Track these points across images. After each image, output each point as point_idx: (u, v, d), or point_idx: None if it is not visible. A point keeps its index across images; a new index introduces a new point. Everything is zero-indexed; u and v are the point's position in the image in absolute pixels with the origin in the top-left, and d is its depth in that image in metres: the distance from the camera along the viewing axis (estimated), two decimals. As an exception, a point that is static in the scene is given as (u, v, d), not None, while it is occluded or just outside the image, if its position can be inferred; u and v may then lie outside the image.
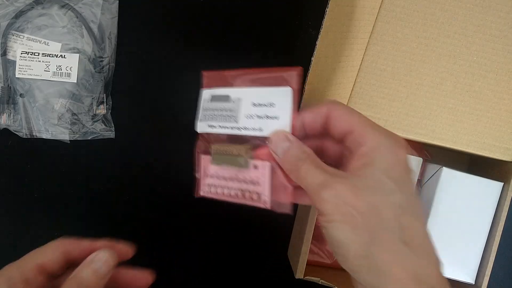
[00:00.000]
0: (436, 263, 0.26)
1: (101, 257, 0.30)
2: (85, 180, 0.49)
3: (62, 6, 0.47)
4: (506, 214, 0.42)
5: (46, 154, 0.48)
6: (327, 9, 0.37)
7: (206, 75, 0.36)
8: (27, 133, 0.47)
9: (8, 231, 0.49)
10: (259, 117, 0.33)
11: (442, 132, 0.42)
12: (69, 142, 0.48)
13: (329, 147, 0.32)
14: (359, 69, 0.41)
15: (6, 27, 0.46)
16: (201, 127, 0.36)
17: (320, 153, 0.31)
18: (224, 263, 0.50)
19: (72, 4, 0.47)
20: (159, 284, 0.51)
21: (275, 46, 0.49)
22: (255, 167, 0.33)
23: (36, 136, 0.47)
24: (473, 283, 0.43)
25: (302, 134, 0.30)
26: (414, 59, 0.41)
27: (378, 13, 0.40)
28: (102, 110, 0.48)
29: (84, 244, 0.31)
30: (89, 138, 0.48)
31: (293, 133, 0.30)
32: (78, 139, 0.48)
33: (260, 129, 0.33)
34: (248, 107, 0.34)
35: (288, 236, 0.50)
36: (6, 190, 0.49)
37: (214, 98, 0.36)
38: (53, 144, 0.48)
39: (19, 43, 0.47)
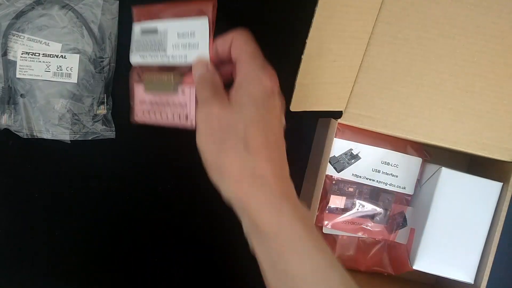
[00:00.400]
0: (274, 164, 0.31)
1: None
2: (86, 180, 0.49)
3: (63, 7, 0.47)
4: (505, 214, 0.42)
5: (46, 155, 0.48)
6: (317, 8, 0.37)
7: (136, 10, 0.40)
8: (28, 133, 0.47)
9: (8, 231, 0.49)
10: (183, 46, 0.38)
11: (441, 133, 0.42)
12: (69, 142, 0.48)
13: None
14: (358, 69, 0.41)
15: (6, 28, 0.46)
16: (134, 58, 0.41)
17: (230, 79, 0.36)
18: (225, 262, 0.50)
19: (72, 5, 0.47)
20: (159, 283, 0.51)
21: (275, 46, 0.49)
22: (183, 91, 0.39)
23: (36, 136, 0.47)
24: (472, 283, 0.43)
25: (217, 60, 0.36)
26: (414, 59, 0.41)
27: (378, 13, 0.40)
28: (102, 110, 0.48)
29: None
30: (89, 139, 0.48)
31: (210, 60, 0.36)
32: (79, 139, 0.48)
33: (185, 57, 0.38)
34: (173, 38, 0.38)
35: None
36: (6, 190, 0.49)
37: (144, 31, 0.40)
38: (53, 145, 0.48)
39: (20, 44, 0.47)
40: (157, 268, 0.50)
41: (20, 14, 0.46)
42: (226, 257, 0.51)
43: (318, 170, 0.41)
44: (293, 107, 0.39)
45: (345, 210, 0.45)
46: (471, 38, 0.41)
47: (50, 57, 0.47)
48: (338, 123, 0.41)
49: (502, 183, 0.43)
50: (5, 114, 0.46)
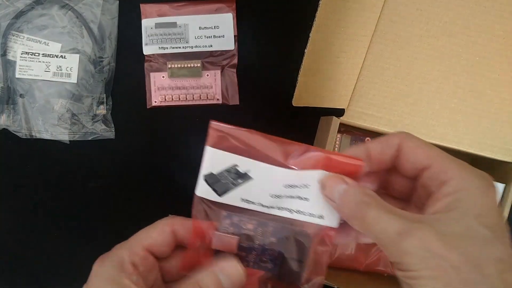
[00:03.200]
0: None
1: (232, 273, 0.25)
2: (85, 181, 0.48)
3: (62, 7, 0.46)
4: (507, 215, 0.41)
5: (45, 155, 0.47)
6: (320, 2, 0.36)
7: (143, 7, 0.45)
8: (27, 133, 0.46)
9: (8, 231, 0.48)
10: (207, 37, 0.46)
11: (443, 132, 0.41)
12: (68, 142, 0.46)
13: (394, 183, 0.27)
14: (361, 67, 0.40)
15: (6, 28, 0.45)
16: (150, 50, 0.46)
17: (383, 191, 0.27)
18: None
19: (72, 5, 0.46)
20: None
21: (279, 39, 0.48)
22: (207, 75, 0.47)
23: (35, 136, 0.46)
24: None
25: (365, 170, 0.26)
26: (417, 58, 0.40)
27: (381, 11, 0.39)
28: (102, 110, 0.47)
29: (191, 224, 0.27)
30: (89, 139, 0.47)
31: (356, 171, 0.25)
32: (78, 139, 0.46)
33: (211, 45, 0.46)
34: (195, 30, 0.46)
35: None
36: (5, 191, 0.47)
37: (159, 25, 0.46)
38: (53, 145, 0.46)
39: (20, 44, 0.45)
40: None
41: (19, 14, 0.45)
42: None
43: None
44: (295, 102, 0.38)
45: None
46: (473, 37, 0.40)
47: (49, 57, 0.46)
48: (213, 127, 0.28)
49: (504, 184, 0.41)
50: (4, 114, 0.45)
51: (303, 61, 0.38)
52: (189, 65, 0.46)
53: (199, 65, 0.46)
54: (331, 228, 0.26)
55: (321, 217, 0.26)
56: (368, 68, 0.40)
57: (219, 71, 0.47)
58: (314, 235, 0.27)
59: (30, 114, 0.46)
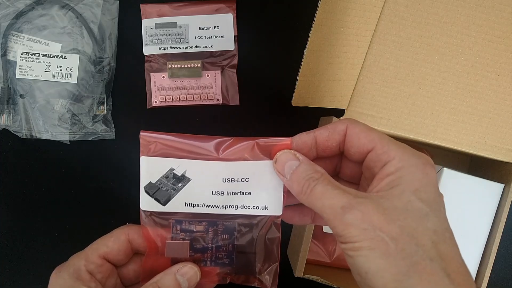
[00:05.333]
0: None
1: (187, 271, 0.27)
2: (85, 181, 0.47)
3: (63, 7, 0.45)
4: (506, 215, 0.41)
5: (46, 155, 0.46)
6: (320, 2, 0.36)
7: (144, 7, 0.45)
8: (27, 133, 0.45)
9: (8, 231, 0.47)
10: (207, 37, 0.45)
11: (443, 132, 0.41)
12: (68, 143, 0.46)
13: (344, 167, 0.28)
14: (361, 67, 0.39)
15: (6, 28, 0.44)
16: (150, 50, 0.46)
17: (334, 175, 0.28)
18: None
19: (72, 5, 0.45)
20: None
21: (279, 40, 0.48)
22: (207, 75, 0.45)
23: (36, 136, 0.45)
24: None
25: (313, 155, 0.27)
26: (416, 58, 0.39)
27: (381, 11, 0.38)
28: (102, 110, 0.46)
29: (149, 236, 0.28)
30: (89, 139, 0.46)
31: (302, 152, 0.26)
32: (78, 139, 0.46)
33: (211, 46, 0.46)
34: (195, 30, 0.45)
35: (288, 235, 0.48)
36: (6, 191, 0.47)
37: (159, 25, 0.45)
38: (53, 145, 0.46)
39: (20, 44, 0.45)
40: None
41: (20, 14, 0.44)
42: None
43: None
44: (295, 102, 0.38)
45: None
46: (473, 38, 0.39)
47: (50, 57, 0.45)
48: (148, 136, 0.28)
49: (503, 185, 0.41)
50: (4, 114, 0.45)
51: (303, 61, 0.37)
52: (189, 66, 0.46)
53: (199, 65, 0.46)
54: (277, 216, 0.27)
55: (265, 207, 0.27)
56: (368, 69, 0.39)
57: (219, 71, 0.46)
58: (261, 225, 0.28)
59: (30, 114, 0.45)
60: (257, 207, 0.28)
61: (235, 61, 0.47)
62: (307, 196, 0.24)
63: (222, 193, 0.27)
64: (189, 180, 0.27)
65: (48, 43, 0.45)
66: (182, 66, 0.46)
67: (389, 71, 0.39)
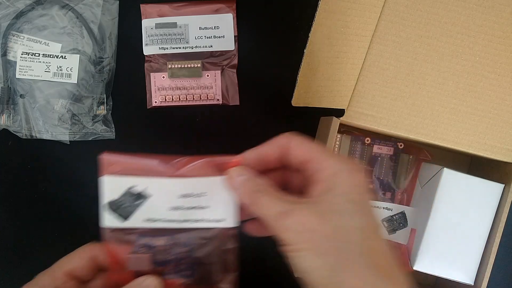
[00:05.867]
0: (404, 286, 0.24)
1: (149, 284, 0.28)
2: (85, 181, 0.47)
3: (63, 7, 0.45)
4: (506, 215, 0.41)
5: (46, 155, 0.46)
6: (320, 2, 0.35)
7: (144, 7, 0.45)
8: (27, 133, 0.45)
9: (8, 231, 0.47)
10: (207, 37, 0.45)
11: (443, 132, 0.40)
12: (68, 143, 0.46)
13: (291, 178, 0.30)
14: (361, 67, 0.39)
15: (6, 28, 0.44)
16: (150, 50, 0.45)
17: (284, 186, 0.30)
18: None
19: (72, 5, 0.45)
20: None
21: (279, 40, 0.48)
22: (207, 75, 0.45)
23: (36, 137, 0.45)
24: (472, 284, 0.41)
25: (261, 169, 0.29)
26: (417, 58, 0.39)
27: (381, 12, 0.38)
28: (102, 110, 0.46)
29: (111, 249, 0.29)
30: (89, 139, 0.46)
31: (251, 167, 0.28)
32: (79, 140, 0.46)
33: (211, 46, 0.45)
34: (195, 30, 0.45)
35: None
36: (6, 191, 0.47)
37: (159, 26, 0.45)
38: (53, 145, 0.46)
39: (20, 44, 0.45)
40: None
41: (20, 14, 0.44)
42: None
43: None
44: (295, 102, 0.38)
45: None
46: (473, 38, 0.39)
47: (50, 57, 0.45)
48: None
49: (503, 185, 0.41)
50: (4, 114, 0.44)
51: (302, 61, 0.37)
52: (189, 65, 0.46)
53: (199, 65, 0.46)
54: (232, 228, 0.29)
55: (221, 220, 0.29)
56: (368, 69, 0.39)
57: (219, 72, 0.46)
58: (218, 237, 0.30)
59: (30, 114, 0.45)
60: (214, 220, 0.29)
61: (235, 61, 0.47)
62: (255, 207, 0.27)
63: (180, 208, 0.29)
64: (148, 197, 0.29)
65: (48, 43, 0.45)
66: (182, 66, 0.46)
67: (389, 71, 0.39)
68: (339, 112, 0.40)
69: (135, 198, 0.29)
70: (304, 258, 0.24)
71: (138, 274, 0.29)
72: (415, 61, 0.39)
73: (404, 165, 0.45)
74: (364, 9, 0.37)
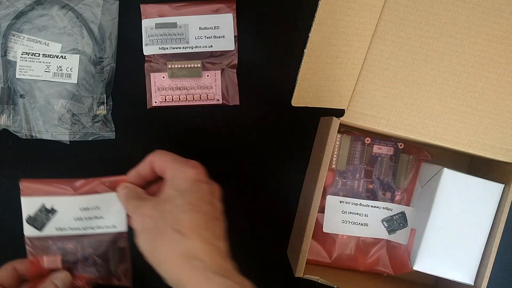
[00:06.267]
0: (207, 244, 0.31)
1: (59, 275, 0.38)
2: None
3: (63, 7, 0.45)
4: (506, 216, 0.40)
5: (46, 155, 0.46)
6: (320, 2, 0.35)
7: (143, 7, 0.45)
8: (27, 133, 0.45)
9: (7, 231, 0.47)
10: (207, 37, 0.45)
11: (443, 132, 0.40)
12: (68, 143, 0.46)
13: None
14: (361, 67, 0.39)
15: (6, 28, 0.44)
16: (150, 50, 0.45)
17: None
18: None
19: (72, 5, 0.45)
20: (158, 279, 0.49)
21: (279, 39, 0.48)
22: (207, 75, 0.46)
23: (36, 137, 0.45)
24: (472, 284, 0.41)
25: (143, 182, 0.38)
26: (416, 58, 0.39)
27: (381, 12, 0.38)
28: (102, 110, 0.46)
29: (31, 263, 0.38)
30: (89, 139, 0.46)
31: (134, 182, 0.38)
32: (79, 140, 0.46)
33: (211, 46, 0.45)
34: (195, 30, 0.45)
35: (287, 234, 0.48)
36: (5, 191, 0.47)
37: (159, 26, 0.45)
38: (53, 145, 0.46)
39: (20, 44, 0.45)
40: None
41: (20, 15, 0.44)
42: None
43: (319, 168, 0.40)
44: (295, 102, 0.38)
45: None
46: (473, 38, 0.39)
47: (50, 57, 0.45)
48: None
49: (503, 185, 0.41)
50: (4, 114, 0.44)
51: (302, 61, 0.37)
52: (189, 66, 0.46)
53: (199, 65, 0.46)
54: (123, 232, 0.39)
55: (114, 226, 0.39)
56: (368, 69, 0.39)
57: (219, 72, 0.46)
58: (113, 240, 0.40)
59: (30, 114, 0.45)
60: (108, 227, 0.39)
61: (235, 61, 0.46)
62: (128, 210, 0.37)
63: (81, 219, 0.39)
64: (56, 211, 0.38)
65: (48, 43, 0.45)
66: (182, 66, 0.46)
67: (389, 71, 0.39)
68: (339, 112, 0.40)
69: (47, 213, 0.38)
70: (141, 238, 0.33)
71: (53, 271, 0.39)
72: (415, 61, 0.39)
73: (404, 165, 0.45)
74: (364, 9, 0.37)
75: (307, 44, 0.36)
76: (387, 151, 0.45)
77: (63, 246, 0.39)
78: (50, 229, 0.39)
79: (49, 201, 0.38)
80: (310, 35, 0.36)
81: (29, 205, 0.38)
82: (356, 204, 0.44)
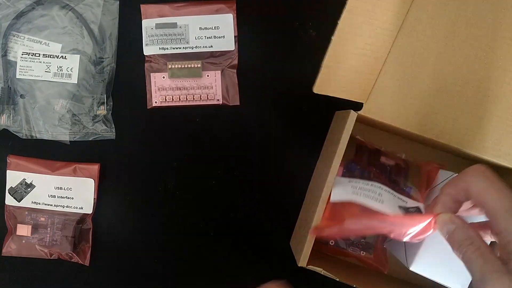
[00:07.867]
0: None
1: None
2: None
3: (63, 7, 0.44)
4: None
5: (46, 155, 0.45)
6: None
7: (144, 8, 0.44)
8: (27, 134, 0.44)
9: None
10: (207, 37, 0.44)
11: (458, 136, 0.37)
12: (69, 143, 0.45)
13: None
14: (384, 62, 0.37)
15: (7, 28, 0.43)
16: (150, 50, 0.45)
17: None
18: (226, 251, 0.47)
19: (72, 5, 0.44)
20: (161, 272, 0.48)
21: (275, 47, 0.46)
22: (207, 76, 0.45)
23: (36, 137, 0.44)
24: None
25: (457, 206, 0.31)
26: (439, 58, 0.36)
27: (409, 7, 0.36)
28: (102, 110, 0.45)
29: None
30: (89, 139, 0.45)
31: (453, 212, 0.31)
32: (79, 140, 0.45)
33: (211, 46, 0.44)
34: (195, 31, 0.44)
35: (291, 225, 0.46)
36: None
37: (159, 26, 0.44)
38: (53, 145, 0.45)
39: (20, 44, 0.44)
40: (158, 256, 0.47)
41: (20, 15, 0.43)
42: (228, 245, 0.47)
43: (332, 161, 0.37)
44: (316, 89, 0.35)
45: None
46: (498, 42, 0.36)
47: (50, 57, 0.44)
48: None
49: None
50: (5, 114, 0.44)
51: (328, 48, 0.34)
52: (189, 66, 0.44)
53: (199, 65, 0.44)
54: (89, 213, 0.45)
55: (81, 208, 0.44)
56: (390, 65, 0.37)
57: (219, 72, 0.44)
58: (79, 220, 0.45)
59: (31, 114, 0.44)
60: (76, 207, 0.44)
61: (235, 61, 0.45)
62: (461, 256, 0.29)
63: (54, 196, 0.44)
64: (34, 186, 0.44)
65: (48, 43, 0.44)
66: (182, 66, 0.44)
67: (411, 69, 0.36)
68: (358, 106, 0.37)
69: (26, 187, 0.44)
70: None
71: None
72: (437, 61, 0.36)
73: (416, 172, 0.42)
74: (394, 3, 0.35)
75: (335, 31, 0.34)
76: (393, 162, 0.42)
77: (36, 218, 0.44)
78: (26, 201, 0.44)
79: (30, 177, 0.44)
80: (339, 22, 0.34)
81: (12, 178, 0.44)
82: (369, 184, 0.39)
